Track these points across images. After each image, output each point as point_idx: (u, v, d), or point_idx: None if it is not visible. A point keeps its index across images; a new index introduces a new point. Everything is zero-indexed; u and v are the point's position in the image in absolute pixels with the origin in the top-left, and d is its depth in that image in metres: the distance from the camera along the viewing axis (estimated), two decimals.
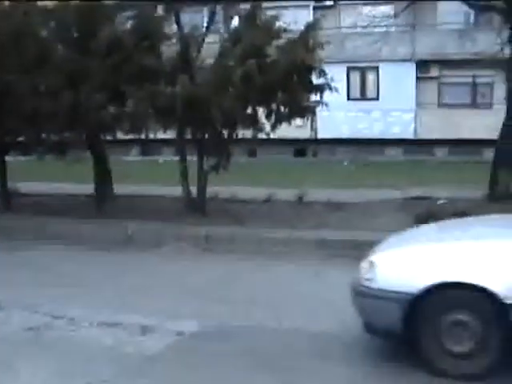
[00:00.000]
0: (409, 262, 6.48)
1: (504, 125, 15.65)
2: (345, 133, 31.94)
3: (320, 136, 31.83)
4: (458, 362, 6.15)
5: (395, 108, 31.99)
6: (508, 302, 5.89)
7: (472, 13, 28.98)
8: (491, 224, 7.77)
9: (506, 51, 15.96)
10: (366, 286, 6.50)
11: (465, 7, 23.23)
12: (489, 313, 6.03)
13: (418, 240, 7.16)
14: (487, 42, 18.07)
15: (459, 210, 12.68)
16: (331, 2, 32.38)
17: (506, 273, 6.00)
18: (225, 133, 14.84)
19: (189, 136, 15.25)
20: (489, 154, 17.12)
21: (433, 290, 6.14)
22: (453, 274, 6.14)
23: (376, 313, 6.51)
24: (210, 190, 15.45)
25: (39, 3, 15.01)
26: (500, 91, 20.94)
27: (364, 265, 6.62)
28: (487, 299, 5.99)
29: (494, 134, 16.16)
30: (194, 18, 17.54)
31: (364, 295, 6.55)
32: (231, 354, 6.82)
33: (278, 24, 14.25)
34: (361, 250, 7.86)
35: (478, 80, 32.03)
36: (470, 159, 26.42)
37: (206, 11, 17.80)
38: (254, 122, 14.44)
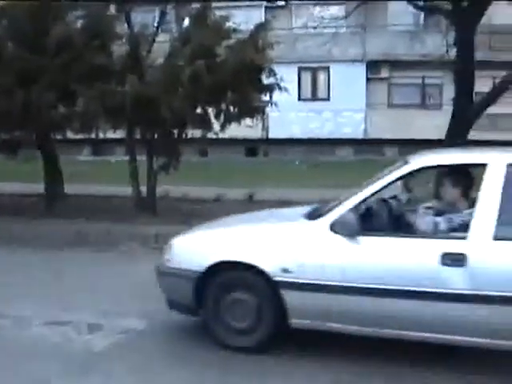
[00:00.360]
0: (197, 244, 7.16)
1: (451, 125, 15.87)
2: (296, 133, 32.10)
3: (271, 136, 31.83)
4: (238, 337, 6.77)
5: (346, 108, 32.21)
6: (277, 279, 6.46)
7: (421, 15, 29.32)
8: (283, 211, 8.48)
9: (453, 53, 16.18)
10: (166, 266, 7.15)
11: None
12: (262, 290, 6.58)
13: (211, 225, 7.90)
14: (436, 44, 18.33)
15: None
16: (283, 3, 32.44)
17: (274, 252, 6.54)
18: (174, 132, 14.90)
19: (139, 135, 15.29)
20: None
21: (214, 269, 6.71)
22: (230, 253, 6.75)
23: (174, 290, 7.19)
24: (161, 189, 15.48)
25: None
26: (449, 92, 21.20)
27: (166, 247, 7.29)
28: (259, 277, 6.53)
29: (443, 134, 16.35)
30: (146, 17, 17.54)
31: (164, 274, 7.20)
32: (174, 352, 6.93)
33: (228, 24, 14.36)
34: None
35: (428, 81, 32.45)
36: None
37: (158, 11, 17.79)
38: (203, 121, 14.53)
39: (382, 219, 6.66)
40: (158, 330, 7.54)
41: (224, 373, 6.35)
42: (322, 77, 33.26)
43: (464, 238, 6.05)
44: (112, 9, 15.47)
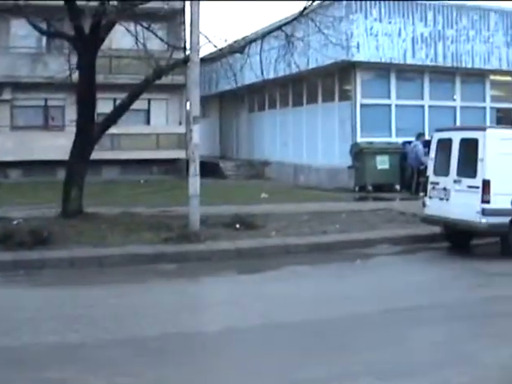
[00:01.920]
0: None
1: (75, 145, 16.38)
2: None
3: None
4: None
5: None
6: None
7: (44, 38, 29.52)
8: None
9: (76, 75, 16.73)
10: None
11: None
12: None
13: None
14: (59, 66, 18.76)
15: (34, 228, 13.23)
16: None
17: None
18: None
19: None
20: (62, 174, 17.72)
21: None
22: None
23: None
24: None
25: None
26: (72, 113, 21.74)
27: None
28: None
29: (67, 155, 16.78)
30: None
31: None
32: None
33: None
34: None
35: (50, 103, 32.90)
36: (44, 180, 26.96)
37: None
38: None
39: None
40: None
41: None
42: None
43: None
44: None
